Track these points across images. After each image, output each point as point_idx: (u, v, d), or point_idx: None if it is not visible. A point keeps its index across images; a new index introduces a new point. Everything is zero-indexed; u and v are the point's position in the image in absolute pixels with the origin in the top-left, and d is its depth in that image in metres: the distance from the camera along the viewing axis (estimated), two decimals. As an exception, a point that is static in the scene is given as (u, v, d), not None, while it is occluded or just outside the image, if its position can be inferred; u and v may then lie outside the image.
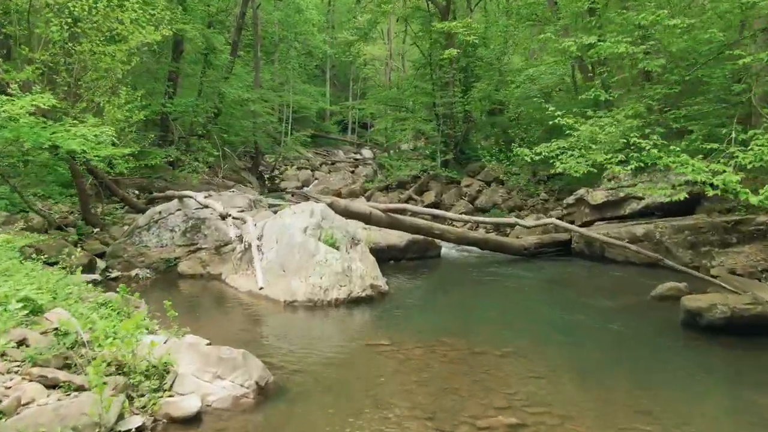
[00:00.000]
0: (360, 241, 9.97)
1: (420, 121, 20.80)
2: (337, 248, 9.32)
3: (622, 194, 12.82)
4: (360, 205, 11.07)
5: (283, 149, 31.14)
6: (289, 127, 33.39)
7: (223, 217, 8.96)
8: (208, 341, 6.52)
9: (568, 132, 8.24)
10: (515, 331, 7.27)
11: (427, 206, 18.65)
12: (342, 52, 30.91)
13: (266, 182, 24.92)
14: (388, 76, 32.61)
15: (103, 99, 10.60)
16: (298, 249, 9.00)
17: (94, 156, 10.02)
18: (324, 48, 35.16)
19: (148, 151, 15.40)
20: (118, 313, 6.90)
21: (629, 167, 7.52)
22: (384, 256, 11.67)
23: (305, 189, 26.47)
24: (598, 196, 12.99)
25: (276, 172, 24.89)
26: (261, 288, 6.77)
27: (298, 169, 31.41)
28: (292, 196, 10.87)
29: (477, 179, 19.25)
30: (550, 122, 16.68)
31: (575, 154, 7.63)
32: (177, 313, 6.09)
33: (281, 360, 6.01)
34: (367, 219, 11.06)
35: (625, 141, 7.45)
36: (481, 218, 12.39)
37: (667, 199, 12.26)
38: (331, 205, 10.51)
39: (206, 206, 9.97)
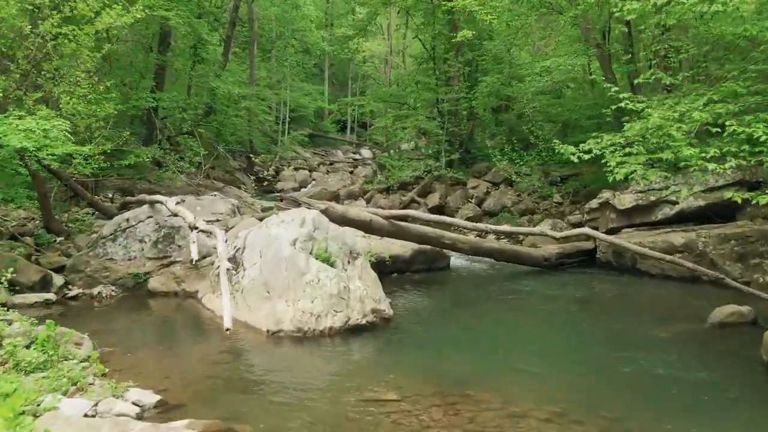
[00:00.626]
0: (359, 254, 8.30)
1: (422, 119, 19.09)
2: (332, 264, 7.65)
3: (653, 198, 11.15)
4: (359, 211, 9.38)
5: (280, 149, 29.48)
6: (286, 126, 31.72)
7: (192, 229, 7.26)
8: (159, 397, 4.86)
9: (624, 123, 6.56)
10: (557, 378, 5.60)
11: (432, 209, 17.02)
12: (340, 48, 29.20)
13: (254, 183, 23.21)
14: (387, 74, 30.91)
15: (58, 89, 8.89)
16: (286, 265, 7.32)
17: (48, 154, 8.33)
18: (322, 45, 33.43)
19: (128, 150, 13.73)
20: (49, 356, 5.23)
21: (728, 165, 5.82)
22: (386, 268, 10.04)
23: (303, 190, 24.80)
24: (626, 200, 11.33)
25: (266, 172, 23.11)
26: (227, 329, 5.11)
27: (296, 169, 29.71)
28: (281, 200, 9.10)
29: (484, 180, 17.58)
30: (566, 117, 15.19)
31: (633, 150, 5.95)
32: (107, 369, 4.42)
33: (253, 429, 4.34)
34: (367, 227, 9.40)
35: (718, 131, 5.75)
36: (501, 227, 10.58)
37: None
38: (325, 212, 8.84)
39: (175, 214, 8.28)
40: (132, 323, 7.70)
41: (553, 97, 17.19)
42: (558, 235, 10.26)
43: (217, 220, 9.16)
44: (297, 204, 8.91)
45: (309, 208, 8.80)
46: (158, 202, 8.84)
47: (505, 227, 10.55)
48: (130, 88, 15.02)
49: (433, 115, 19.96)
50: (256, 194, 23.66)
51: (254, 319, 7.11)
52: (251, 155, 26.37)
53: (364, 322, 7.08)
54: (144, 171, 16.47)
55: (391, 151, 24.63)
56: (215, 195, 10.15)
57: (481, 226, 10.33)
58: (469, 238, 10.12)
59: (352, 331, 6.96)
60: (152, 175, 16.47)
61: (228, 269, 5.73)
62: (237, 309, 7.48)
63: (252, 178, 24.51)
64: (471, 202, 16.89)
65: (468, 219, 15.52)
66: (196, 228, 7.00)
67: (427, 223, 9.74)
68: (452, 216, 16.48)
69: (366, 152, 34.45)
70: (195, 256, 6.85)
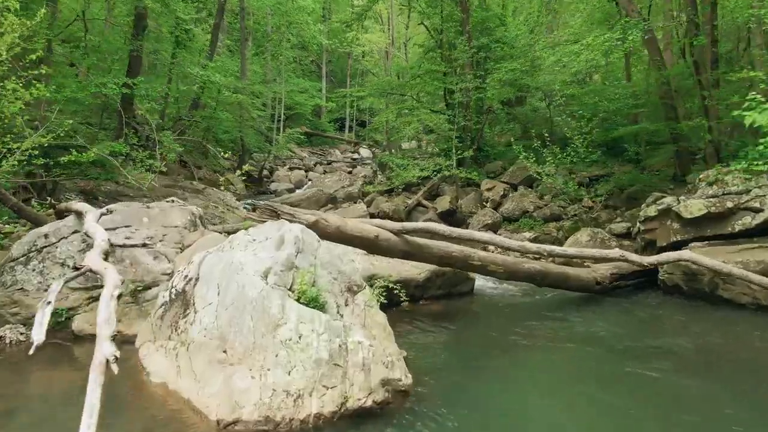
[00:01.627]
0: (361, 287, 5.62)
1: (429, 112, 16.40)
2: (322, 306, 4.98)
3: (729, 204, 8.51)
4: (361, 224, 6.66)
5: (274, 148, 26.76)
6: (281, 124, 28.99)
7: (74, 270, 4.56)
8: None
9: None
10: None
11: (441, 214, 14.38)
12: (338, 41, 26.56)
13: (245, 184, 20.56)
14: (388, 66, 28.17)
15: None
16: (252, 311, 4.67)
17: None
18: (319, 39, 30.63)
19: (76, 144, 11.05)
20: None
21: None
22: (394, 295, 7.45)
23: (298, 191, 22.16)
24: (694, 206, 8.67)
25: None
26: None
27: (291, 169, 27.07)
28: (253, 210, 6.34)
29: (501, 181, 14.91)
30: (605, 108, 12.46)
31: None
32: None
33: None
34: (371, 245, 6.73)
35: None
36: (562, 249, 7.22)
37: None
38: (314, 226, 6.18)
39: (87, 233, 5.58)
40: (25, 395, 5.04)
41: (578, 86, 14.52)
42: (646, 260, 7.54)
43: (148, 240, 6.42)
44: (275, 215, 6.22)
45: (292, 221, 6.12)
46: (79, 212, 6.13)
47: (571, 250, 7.75)
48: (88, 72, 12.32)
49: (440, 109, 17.31)
50: (246, 196, 21.00)
51: (201, 398, 4.45)
52: (246, 153, 23.73)
53: (369, 403, 4.41)
54: (113, 170, 13.80)
55: (393, 150, 21.98)
56: (172, 201, 7.47)
57: (530, 246, 7.41)
58: (505, 259, 7.42)
59: (352, 418, 4.30)
60: (122, 176, 13.78)
61: (109, 360, 3.04)
62: (179, 376, 4.83)
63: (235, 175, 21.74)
64: (486, 206, 14.24)
65: (486, 226, 12.91)
66: (83, 268, 4.27)
67: (450, 239, 7.03)
68: (465, 222, 13.86)
69: (365, 152, 31.87)
70: (38, 337, 4.01)
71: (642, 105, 11.59)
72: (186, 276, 5.63)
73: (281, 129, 28.81)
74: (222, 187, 13.63)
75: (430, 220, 14.39)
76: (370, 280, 7.59)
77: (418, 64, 17.87)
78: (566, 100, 12.04)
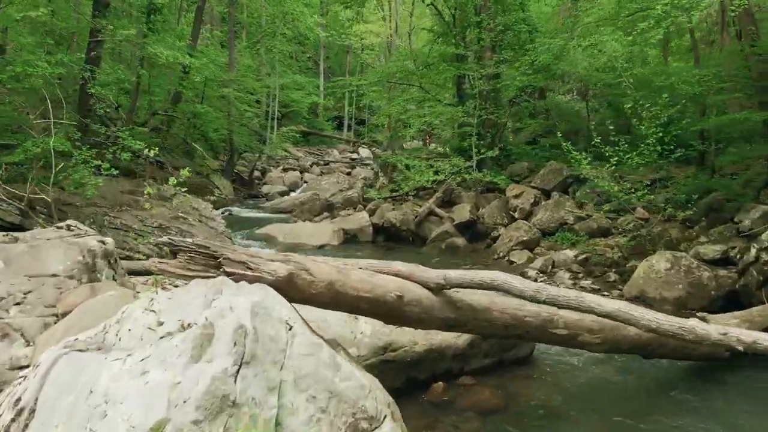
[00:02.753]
0: (377, 420, 2.59)
1: (442, 104, 13.36)
2: None
3: None
4: (372, 278, 3.52)
5: (267, 147, 23.67)
6: (275, 122, 25.88)
7: None
8: None
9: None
10: None
11: (459, 226, 11.35)
12: (337, 32, 23.46)
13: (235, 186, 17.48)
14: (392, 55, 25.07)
15: None
16: None
17: None
18: (316, 31, 27.48)
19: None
20: None
21: None
22: (421, 372, 4.56)
23: (292, 194, 19.13)
24: None
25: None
26: None
27: (285, 170, 23.98)
28: (174, 255, 3.13)
29: (530, 186, 11.87)
30: (685, 92, 9.27)
31: None
32: None
33: None
34: (391, 312, 3.64)
35: None
36: None
37: None
38: (288, 286, 3.11)
39: None
40: None
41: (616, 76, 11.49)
42: None
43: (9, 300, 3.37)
44: (214, 263, 3.14)
45: (241, 279, 3.05)
46: None
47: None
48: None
49: (453, 101, 14.28)
50: (234, 201, 17.93)
51: None
52: (234, 153, 20.68)
53: None
54: (60, 172, 10.74)
55: (394, 150, 18.96)
56: (66, 227, 4.45)
57: (743, 335, 3.55)
58: (603, 323, 4.25)
59: None
60: (69, 180, 10.72)
61: None
62: None
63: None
64: (515, 216, 11.22)
65: (521, 243, 9.91)
66: None
67: (537, 302, 3.82)
68: (489, 236, 10.88)
69: (364, 151, 28.83)
70: None
71: (723, 90, 8.59)
72: (16, 402, 2.61)
73: (275, 127, 25.75)
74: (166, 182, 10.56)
75: (446, 232, 11.37)
76: (385, 351, 4.61)
77: (428, 47, 14.79)
78: (626, 85, 9.00)
